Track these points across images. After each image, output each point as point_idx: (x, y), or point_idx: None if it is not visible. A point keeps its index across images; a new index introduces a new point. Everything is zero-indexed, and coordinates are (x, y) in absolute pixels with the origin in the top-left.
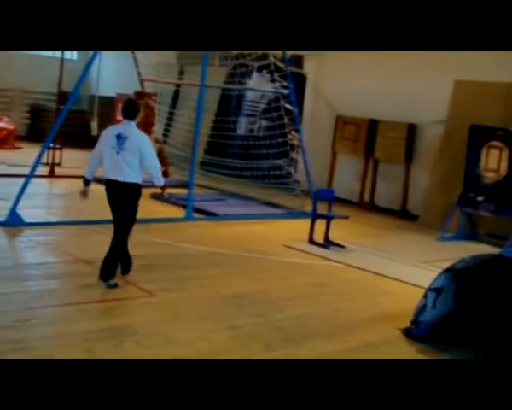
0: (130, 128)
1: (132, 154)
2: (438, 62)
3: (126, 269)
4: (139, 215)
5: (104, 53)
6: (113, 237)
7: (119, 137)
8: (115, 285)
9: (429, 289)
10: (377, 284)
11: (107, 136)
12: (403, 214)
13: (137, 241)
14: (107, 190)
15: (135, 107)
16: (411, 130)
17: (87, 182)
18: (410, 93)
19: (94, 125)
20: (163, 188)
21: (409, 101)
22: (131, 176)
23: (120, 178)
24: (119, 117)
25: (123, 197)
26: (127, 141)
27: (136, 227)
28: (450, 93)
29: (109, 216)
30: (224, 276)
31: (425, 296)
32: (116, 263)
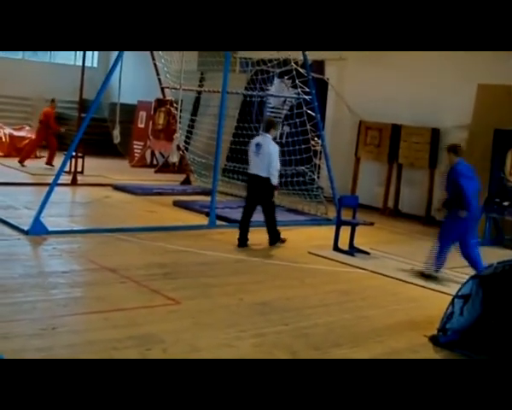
0: (266, 139)
1: (264, 157)
2: (461, 66)
3: (273, 241)
4: (162, 223)
5: (125, 60)
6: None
7: (257, 145)
8: (283, 241)
9: (456, 296)
10: (402, 290)
11: (251, 144)
12: (427, 220)
13: (161, 249)
14: (248, 181)
15: (269, 123)
16: (435, 135)
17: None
18: (433, 98)
19: (116, 132)
20: (276, 188)
21: (432, 105)
22: (265, 172)
23: (258, 173)
24: (141, 125)
25: (259, 186)
26: (262, 148)
27: (159, 235)
28: (473, 97)
29: (132, 224)
30: (248, 283)
31: (452, 303)
32: (274, 229)
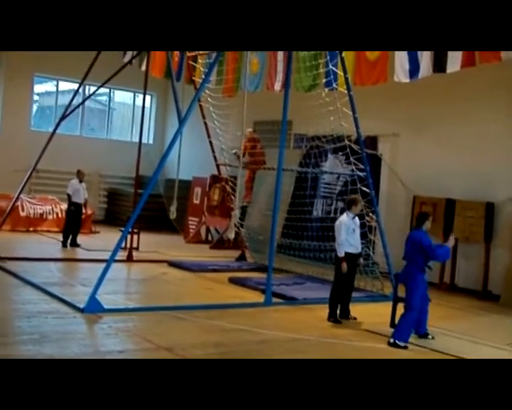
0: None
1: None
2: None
3: (329, 316)
4: (218, 300)
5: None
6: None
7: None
8: (354, 319)
9: None
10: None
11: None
12: (484, 295)
13: (217, 327)
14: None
15: (349, 202)
16: (489, 208)
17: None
18: (487, 171)
19: (173, 209)
20: (342, 260)
21: (485, 179)
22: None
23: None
24: (196, 201)
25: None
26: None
27: (215, 313)
28: None
29: (188, 301)
30: None
31: None
32: (333, 304)
